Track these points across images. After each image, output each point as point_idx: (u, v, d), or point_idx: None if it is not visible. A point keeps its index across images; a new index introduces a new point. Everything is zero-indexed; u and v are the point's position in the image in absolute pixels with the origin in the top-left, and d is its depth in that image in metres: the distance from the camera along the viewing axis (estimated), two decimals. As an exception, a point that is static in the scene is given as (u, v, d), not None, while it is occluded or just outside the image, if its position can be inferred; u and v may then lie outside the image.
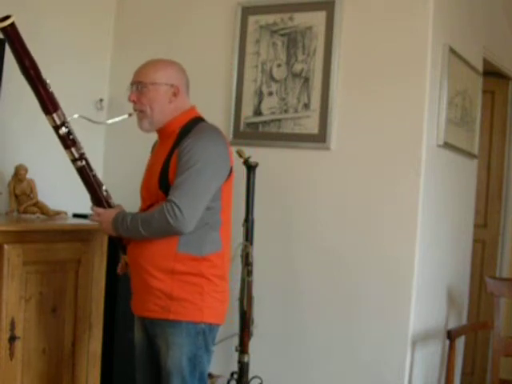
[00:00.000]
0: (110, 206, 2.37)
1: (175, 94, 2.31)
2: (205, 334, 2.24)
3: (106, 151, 3.74)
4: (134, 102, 2.32)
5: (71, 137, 2.28)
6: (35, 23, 3.27)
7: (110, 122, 2.57)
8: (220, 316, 2.32)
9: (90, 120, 2.41)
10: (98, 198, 2.35)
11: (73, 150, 2.28)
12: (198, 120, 2.33)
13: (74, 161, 2.30)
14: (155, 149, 2.45)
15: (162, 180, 2.23)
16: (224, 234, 2.32)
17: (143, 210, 2.33)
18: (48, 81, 2.25)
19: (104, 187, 2.37)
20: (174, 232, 2.16)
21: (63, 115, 2.26)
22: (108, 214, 2.30)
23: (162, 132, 2.35)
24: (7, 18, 2.15)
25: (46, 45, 3.33)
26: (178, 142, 2.24)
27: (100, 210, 2.34)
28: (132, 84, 2.34)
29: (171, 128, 2.30)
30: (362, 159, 3.11)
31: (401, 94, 3.04)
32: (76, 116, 2.32)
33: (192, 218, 2.14)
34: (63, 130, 2.25)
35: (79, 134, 2.38)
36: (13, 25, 2.17)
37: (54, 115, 2.24)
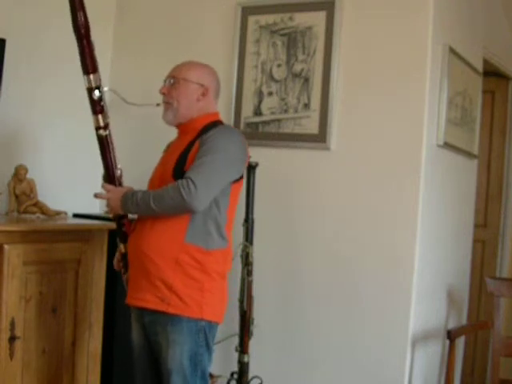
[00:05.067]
0: (120, 184, 2.39)
1: (204, 94, 2.39)
2: (205, 332, 2.25)
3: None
4: (164, 94, 2.40)
5: (102, 103, 2.31)
6: (37, 24, 3.28)
7: (138, 105, 2.61)
8: (219, 314, 2.32)
9: (121, 97, 2.46)
10: (112, 173, 2.37)
11: (99, 117, 2.31)
12: (220, 122, 2.42)
13: (98, 129, 2.33)
14: (171, 146, 2.50)
15: (178, 168, 2.27)
16: (228, 233, 2.35)
17: None
18: (95, 43, 2.31)
19: (119, 165, 2.40)
20: (186, 208, 2.17)
21: (100, 81, 2.30)
22: (118, 191, 2.32)
23: (182, 127, 2.42)
24: None
25: (47, 45, 3.33)
26: (199, 135, 2.30)
27: (110, 186, 2.36)
28: (166, 78, 2.42)
29: (193, 125, 2.37)
30: (362, 159, 3.11)
31: (401, 93, 3.04)
32: (106, 89, 2.36)
33: (205, 197, 2.17)
34: (96, 93, 2.29)
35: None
36: None
37: (91, 76, 2.28)
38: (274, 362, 3.25)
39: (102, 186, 2.38)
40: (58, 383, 2.76)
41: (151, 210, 2.21)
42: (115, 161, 2.37)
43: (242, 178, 2.37)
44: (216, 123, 2.38)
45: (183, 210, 2.18)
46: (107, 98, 3.68)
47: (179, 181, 2.17)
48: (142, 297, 2.26)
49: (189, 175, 2.17)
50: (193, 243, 2.22)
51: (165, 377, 2.24)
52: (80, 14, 2.24)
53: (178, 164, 2.27)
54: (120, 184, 2.39)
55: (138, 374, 2.40)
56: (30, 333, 2.61)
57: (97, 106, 2.31)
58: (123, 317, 3.13)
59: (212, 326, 2.28)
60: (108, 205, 2.35)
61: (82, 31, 2.26)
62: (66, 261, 2.76)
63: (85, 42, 2.28)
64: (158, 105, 2.47)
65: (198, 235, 2.23)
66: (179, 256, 2.21)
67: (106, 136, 2.33)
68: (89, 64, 2.28)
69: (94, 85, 2.29)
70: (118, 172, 2.38)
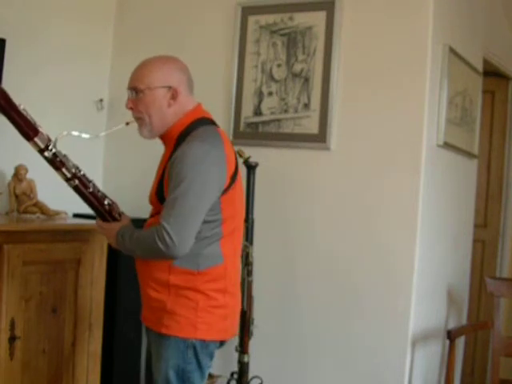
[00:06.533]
0: (113, 218, 2.26)
1: (174, 97, 2.15)
2: (196, 349, 2.14)
3: (106, 156, 3.74)
4: (131, 109, 2.18)
5: (58, 159, 2.14)
6: (37, 24, 3.28)
7: (103, 134, 2.43)
8: (219, 332, 2.20)
9: (81, 135, 2.25)
10: (100, 212, 2.25)
11: (63, 170, 2.15)
12: (197, 123, 2.16)
13: (67, 180, 2.18)
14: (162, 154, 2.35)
15: (159, 193, 2.15)
16: (227, 246, 2.19)
17: (152, 215, 2.25)
18: (22, 106, 2.11)
19: (106, 201, 2.24)
20: (167, 258, 2.06)
21: (46, 137, 2.12)
22: (111, 229, 2.22)
23: (164, 138, 2.24)
24: None
25: (47, 45, 3.33)
26: (174, 150, 2.12)
27: (103, 224, 2.25)
28: (128, 89, 2.19)
29: (171, 134, 2.18)
30: (362, 159, 3.11)
31: (401, 93, 3.04)
32: (65, 133, 2.17)
33: (183, 242, 2.02)
34: (48, 153, 2.12)
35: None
36: None
37: (36, 139, 2.10)
38: (273, 362, 3.25)
39: (96, 222, 2.29)
40: (58, 383, 2.76)
41: (139, 256, 2.16)
42: (98, 197, 2.22)
43: (233, 184, 2.16)
44: (190, 128, 2.14)
45: (166, 259, 2.08)
46: (107, 98, 3.73)
47: (155, 229, 2.03)
48: (146, 316, 2.24)
49: (162, 221, 2.01)
50: (180, 266, 2.12)
51: None
52: None
53: (158, 189, 2.15)
54: (112, 216, 2.25)
55: (145, 378, 2.39)
56: (30, 333, 2.61)
57: (55, 163, 2.13)
58: (123, 317, 3.14)
59: (207, 344, 2.17)
60: (108, 241, 2.29)
61: (2, 102, 2.05)
62: (66, 261, 2.76)
63: (10, 111, 2.06)
64: (127, 124, 2.24)
65: (186, 258, 2.09)
66: (170, 279, 2.13)
67: (78, 185, 2.18)
68: (26, 130, 2.08)
69: (42, 146, 2.10)
70: (107, 207, 2.24)
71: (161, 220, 2.03)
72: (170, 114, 2.17)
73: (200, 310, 2.14)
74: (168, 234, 2.00)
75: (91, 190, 2.21)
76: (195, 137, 2.09)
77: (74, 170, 2.17)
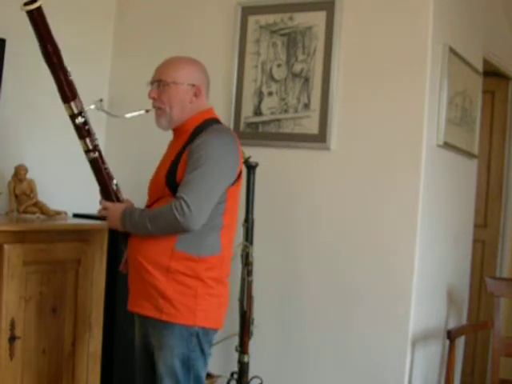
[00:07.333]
0: (118, 200, 2.34)
1: (196, 95, 2.31)
2: (199, 337, 2.21)
3: (107, 149, 3.73)
4: (153, 98, 2.31)
5: (87, 127, 2.25)
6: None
7: (127, 116, 2.50)
8: (215, 320, 2.27)
9: (107, 113, 2.39)
10: (108, 191, 2.32)
11: (87, 140, 2.26)
12: (213, 121, 2.32)
13: (87, 152, 2.28)
14: (169, 146, 2.43)
15: (170, 176, 2.22)
16: (225, 237, 2.28)
17: (148, 206, 2.31)
18: (69, 68, 2.23)
19: (115, 181, 2.34)
20: (182, 229, 2.13)
21: (81, 104, 2.24)
22: (116, 209, 2.28)
23: (177, 130, 2.35)
24: (34, 0, 2.13)
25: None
26: (190, 139, 2.24)
27: (108, 203, 2.31)
28: (152, 82, 2.32)
29: (186, 127, 2.30)
30: (362, 159, 3.11)
31: (401, 93, 3.04)
32: (92, 107, 2.32)
33: (200, 216, 2.13)
34: (80, 119, 2.23)
35: None
36: (39, 8, 2.15)
37: (72, 103, 2.22)
38: (273, 362, 3.25)
39: (100, 203, 2.34)
40: (58, 383, 2.76)
41: (148, 231, 2.19)
42: (109, 177, 2.32)
43: (238, 179, 2.30)
44: (206, 124, 2.29)
45: (180, 231, 2.15)
46: (107, 98, 3.73)
47: (173, 202, 2.13)
48: (139, 303, 2.25)
49: (180, 194, 2.12)
50: (183, 251, 2.18)
51: (158, 379, 2.22)
52: (49, 44, 2.19)
53: (170, 173, 2.23)
54: (117, 198, 2.34)
55: (137, 374, 2.40)
56: (30, 333, 2.61)
57: (82, 131, 2.25)
58: (123, 317, 3.14)
59: (207, 331, 2.24)
60: (108, 222, 2.32)
61: (55, 60, 2.20)
62: (66, 261, 2.76)
63: (59, 70, 2.21)
64: (147, 111, 2.37)
65: (189, 243, 2.18)
66: (170, 264, 2.18)
67: (96, 157, 2.28)
68: (67, 92, 2.22)
69: (76, 111, 2.23)
70: (114, 187, 2.33)
71: (178, 194, 2.14)
72: (190, 110, 2.31)
73: (199, 297, 2.20)
74: (186, 203, 2.10)
75: (107, 166, 2.32)
76: (214, 130, 2.26)
77: (96, 143, 2.28)
